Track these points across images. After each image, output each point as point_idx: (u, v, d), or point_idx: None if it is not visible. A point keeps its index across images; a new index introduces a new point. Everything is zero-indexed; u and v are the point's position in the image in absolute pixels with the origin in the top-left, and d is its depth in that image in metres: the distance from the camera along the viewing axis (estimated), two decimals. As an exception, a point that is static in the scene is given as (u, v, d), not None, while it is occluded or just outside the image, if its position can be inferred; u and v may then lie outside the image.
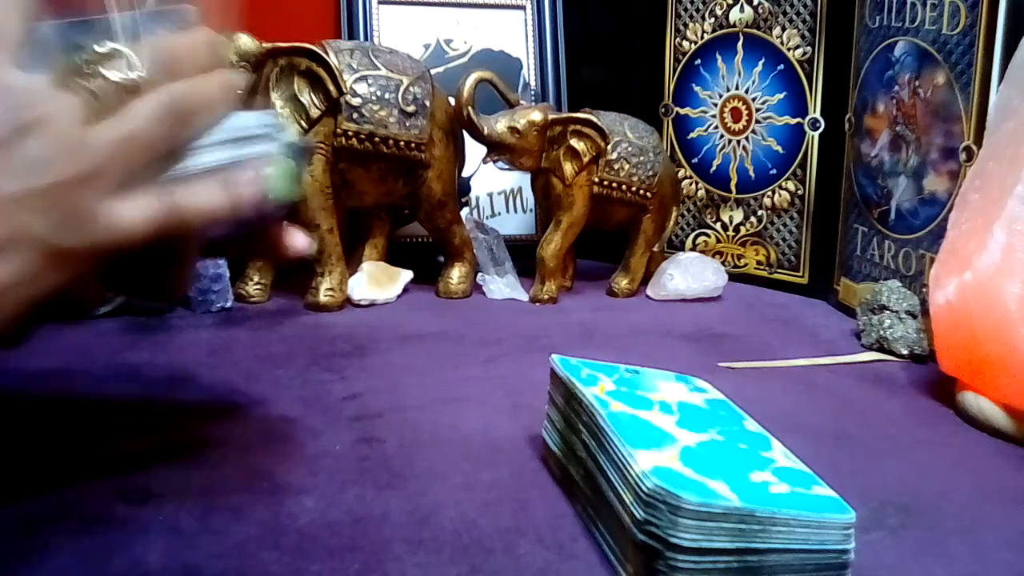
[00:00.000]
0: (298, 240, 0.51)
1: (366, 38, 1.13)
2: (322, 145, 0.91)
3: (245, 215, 0.46)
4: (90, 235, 0.41)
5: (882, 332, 0.85)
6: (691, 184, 1.16)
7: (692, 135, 1.15)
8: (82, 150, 0.40)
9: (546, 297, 1.01)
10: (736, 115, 1.11)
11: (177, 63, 0.44)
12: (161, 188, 0.43)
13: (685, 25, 1.13)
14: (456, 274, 1.03)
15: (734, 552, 0.42)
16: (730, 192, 1.14)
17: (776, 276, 1.12)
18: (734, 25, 1.10)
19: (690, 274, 1.05)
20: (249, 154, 0.46)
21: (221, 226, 0.46)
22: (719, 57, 1.11)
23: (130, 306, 0.87)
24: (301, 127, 0.90)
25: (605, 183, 1.01)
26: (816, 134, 1.06)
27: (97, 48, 0.42)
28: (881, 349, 0.86)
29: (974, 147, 0.81)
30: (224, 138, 0.46)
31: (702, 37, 1.12)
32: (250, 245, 0.52)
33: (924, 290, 0.84)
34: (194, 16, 0.48)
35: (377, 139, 0.93)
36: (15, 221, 0.38)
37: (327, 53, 0.90)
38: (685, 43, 1.13)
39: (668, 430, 0.50)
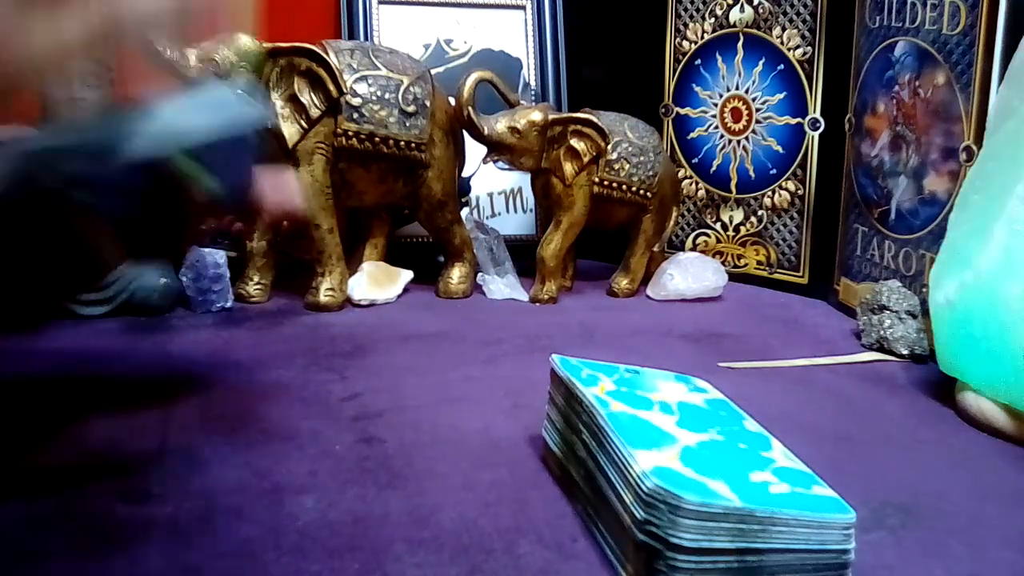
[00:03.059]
0: (288, 183, 0.51)
1: (366, 38, 1.13)
2: (322, 144, 0.91)
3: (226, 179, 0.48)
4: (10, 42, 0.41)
5: (882, 332, 0.85)
6: (691, 184, 1.16)
7: (692, 135, 1.15)
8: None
9: (546, 297, 1.01)
10: (736, 115, 1.11)
11: None
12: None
13: (685, 25, 1.13)
14: (456, 274, 1.03)
15: (734, 552, 0.42)
16: (730, 192, 1.14)
17: (776, 276, 1.12)
18: (734, 25, 1.10)
19: (690, 274, 1.05)
20: (223, 125, 0.49)
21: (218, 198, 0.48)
22: (719, 57, 1.11)
23: (130, 306, 0.87)
24: (301, 127, 0.90)
25: (605, 183, 1.01)
26: (816, 134, 1.06)
27: None
28: (881, 349, 0.86)
29: (974, 147, 0.81)
30: (201, 103, 0.48)
31: (702, 37, 1.12)
32: (246, 206, 0.52)
33: (924, 290, 0.84)
34: None
35: (377, 139, 0.93)
36: None
37: (327, 53, 0.90)
38: (685, 43, 1.13)
39: (668, 430, 0.50)
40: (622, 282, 1.07)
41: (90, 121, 0.46)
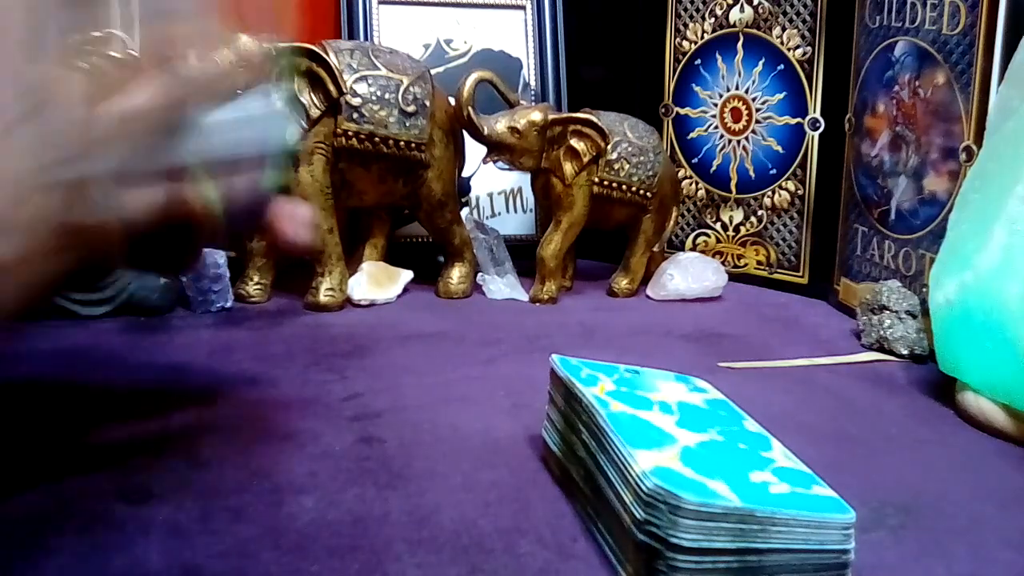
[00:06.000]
0: (300, 231, 0.52)
1: (366, 38, 1.13)
2: (322, 144, 0.91)
3: (240, 206, 0.47)
4: (97, 211, 0.41)
5: (882, 332, 0.85)
6: (691, 184, 1.16)
7: (692, 135, 1.15)
8: (88, 126, 0.41)
9: (546, 297, 1.01)
10: (736, 115, 1.11)
11: (174, 46, 0.44)
12: (163, 175, 0.44)
13: (685, 25, 1.13)
14: (456, 274, 1.03)
15: (734, 552, 0.42)
16: (730, 192, 1.14)
17: (776, 276, 1.12)
18: (734, 25, 1.10)
19: (690, 274, 1.05)
20: (253, 139, 0.48)
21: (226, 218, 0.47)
22: (719, 57, 1.11)
23: (130, 306, 0.87)
24: (301, 127, 0.90)
25: (605, 183, 1.01)
26: (816, 134, 1.06)
27: (94, 33, 0.43)
28: (881, 349, 0.86)
29: (974, 147, 0.81)
30: (230, 118, 0.47)
31: (702, 37, 1.12)
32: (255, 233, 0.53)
33: (924, 290, 0.84)
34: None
35: (377, 139, 0.93)
36: (28, 199, 0.39)
37: (327, 53, 0.90)
38: (685, 43, 1.13)
39: (668, 430, 0.50)
40: (622, 282, 1.07)
41: None
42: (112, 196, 0.42)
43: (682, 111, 1.15)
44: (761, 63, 1.09)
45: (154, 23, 0.46)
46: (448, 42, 1.17)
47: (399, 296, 0.99)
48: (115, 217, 0.42)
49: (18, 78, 0.40)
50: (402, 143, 0.94)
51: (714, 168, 1.14)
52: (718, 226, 1.16)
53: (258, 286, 0.96)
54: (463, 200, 1.11)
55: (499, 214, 1.18)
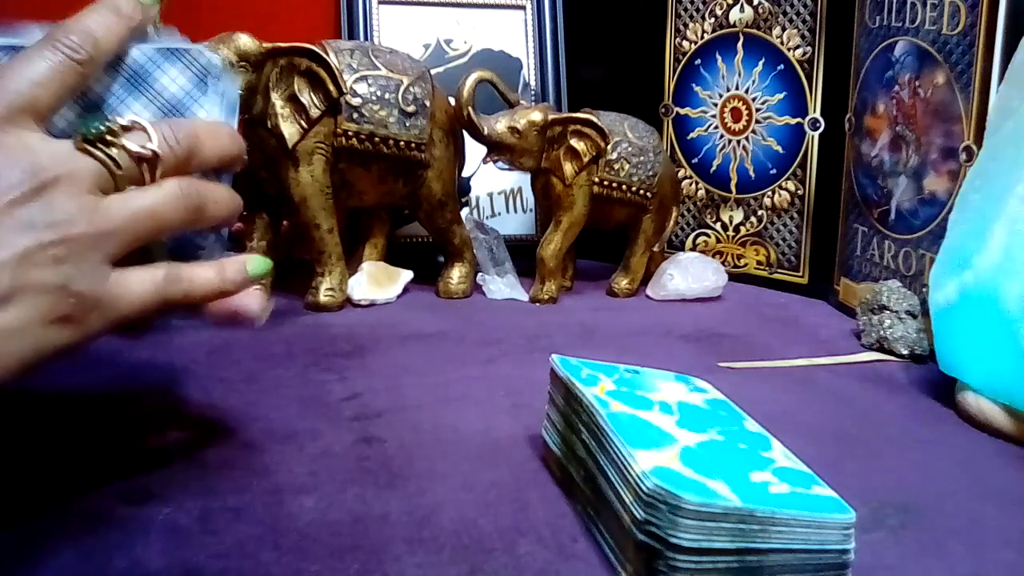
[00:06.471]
0: (251, 303, 0.53)
1: (366, 38, 1.13)
2: (322, 144, 0.91)
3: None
4: (95, 295, 0.43)
5: (882, 332, 0.85)
6: (691, 184, 1.16)
7: (692, 135, 1.15)
8: (96, 213, 0.42)
9: (546, 297, 1.01)
10: (736, 115, 1.11)
11: (196, 145, 0.46)
12: (165, 266, 0.46)
13: (685, 25, 1.13)
14: (456, 274, 1.03)
15: (734, 552, 0.42)
16: (730, 192, 1.14)
17: (776, 276, 1.12)
18: (734, 25, 1.10)
19: (690, 274, 1.05)
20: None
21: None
22: (719, 57, 1.11)
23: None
24: (301, 127, 0.90)
25: (605, 183, 1.01)
26: (816, 134, 1.06)
27: (119, 120, 0.44)
28: (881, 349, 0.86)
29: (974, 147, 0.81)
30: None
31: (702, 37, 1.12)
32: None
33: (924, 290, 0.84)
34: (208, 57, 0.50)
35: (377, 139, 0.93)
36: (25, 272, 0.40)
37: (327, 53, 0.90)
38: (685, 43, 1.13)
39: (668, 430, 0.50)
40: (622, 282, 1.07)
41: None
42: (111, 284, 0.43)
43: (682, 111, 1.15)
44: (761, 63, 1.09)
45: (168, 75, 0.48)
46: (448, 42, 1.17)
47: (399, 296, 0.99)
48: (112, 307, 0.44)
49: (31, 156, 0.41)
50: (402, 143, 0.94)
51: (714, 168, 1.14)
52: (718, 226, 1.16)
53: (258, 286, 0.96)
54: (463, 200, 1.11)
55: (499, 214, 1.18)
